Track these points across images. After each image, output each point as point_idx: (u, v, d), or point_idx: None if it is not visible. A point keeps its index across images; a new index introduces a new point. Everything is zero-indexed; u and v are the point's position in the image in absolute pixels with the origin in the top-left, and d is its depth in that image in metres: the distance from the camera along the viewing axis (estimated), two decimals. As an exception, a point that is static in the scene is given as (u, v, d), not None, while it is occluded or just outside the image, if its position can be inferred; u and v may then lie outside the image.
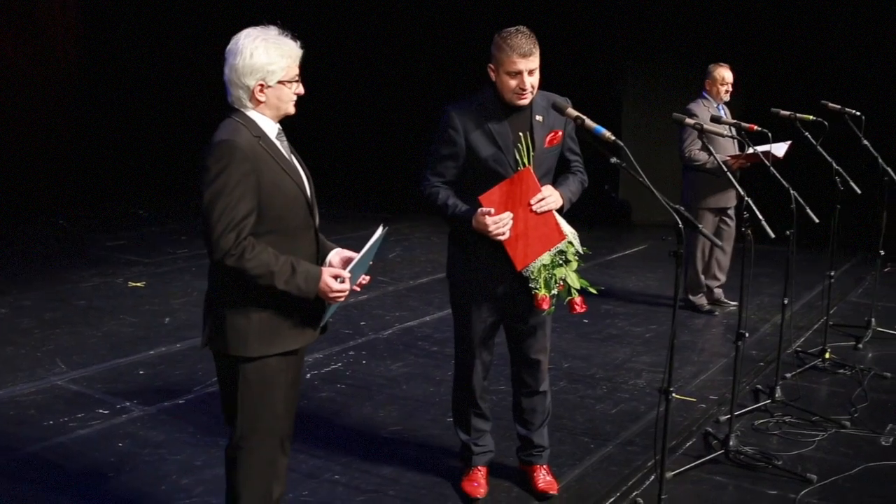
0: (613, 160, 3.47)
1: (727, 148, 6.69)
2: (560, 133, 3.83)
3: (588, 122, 3.53)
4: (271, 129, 3.06)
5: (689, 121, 4.46)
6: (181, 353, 6.09)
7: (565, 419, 5.02)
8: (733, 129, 5.17)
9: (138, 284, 7.99)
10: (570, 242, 3.71)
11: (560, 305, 3.76)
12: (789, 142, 6.26)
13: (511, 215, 3.61)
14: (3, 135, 12.92)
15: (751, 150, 5.64)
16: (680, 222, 3.39)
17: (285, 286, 2.95)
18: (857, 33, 10.85)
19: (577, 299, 3.75)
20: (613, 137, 3.43)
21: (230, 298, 3.04)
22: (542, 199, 3.64)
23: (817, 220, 4.95)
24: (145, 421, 4.95)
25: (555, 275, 3.68)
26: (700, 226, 3.60)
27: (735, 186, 4.39)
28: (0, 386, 5.42)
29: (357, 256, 3.12)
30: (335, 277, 3.02)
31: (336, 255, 3.25)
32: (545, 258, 3.66)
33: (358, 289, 3.17)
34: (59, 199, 12.72)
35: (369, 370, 5.87)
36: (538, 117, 3.77)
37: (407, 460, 4.49)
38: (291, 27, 3.08)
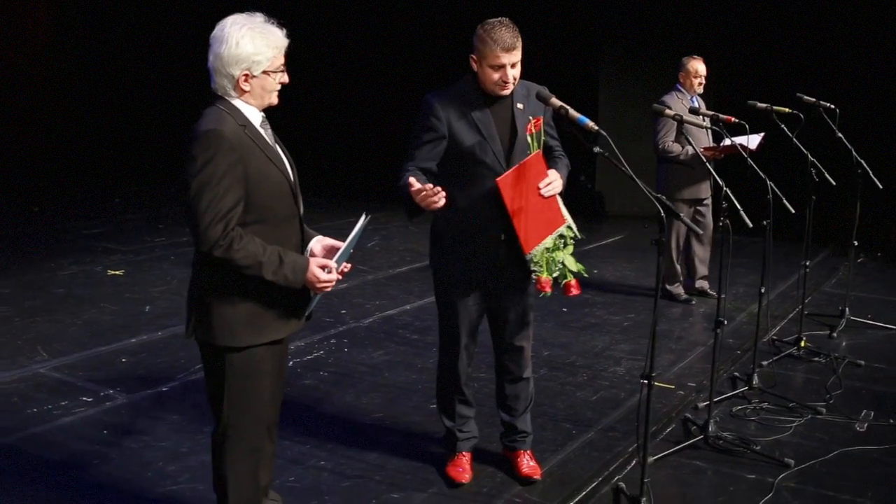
0: (596, 149, 3.52)
1: (701, 139, 6.78)
2: (541, 120, 3.87)
3: (572, 112, 3.57)
4: (255, 117, 3.06)
5: (668, 112, 4.54)
6: (163, 341, 6.09)
7: (547, 406, 5.08)
8: (709, 121, 5.23)
9: (117, 272, 7.97)
10: (570, 226, 3.79)
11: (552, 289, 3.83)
12: (763, 133, 6.35)
13: (437, 189, 3.44)
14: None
15: (728, 142, 5.72)
16: (662, 211, 3.45)
17: (273, 276, 2.97)
18: (831, 27, 10.98)
19: (573, 282, 3.83)
20: (597, 127, 3.48)
21: (217, 289, 3.04)
22: (550, 184, 3.71)
23: (794, 211, 5.04)
24: (129, 408, 4.96)
25: (554, 258, 3.75)
26: (682, 214, 3.66)
27: (713, 176, 4.46)
28: (-19, 374, 5.42)
29: (342, 246, 3.15)
30: (322, 268, 3.05)
31: (318, 242, 3.27)
32: (548, 241, 3.73)
33: (340, 277, 3.18)
34: (33, 187, 12.64)
35: (351, 358, 5.90)
36: (519, 105, 3.82)
37: (391, 446, 4.53)
38: (276, 15, 3.08)
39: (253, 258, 2.93)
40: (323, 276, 3.04)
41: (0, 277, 7.64)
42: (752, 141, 6.23)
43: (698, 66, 6.96)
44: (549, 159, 3.98)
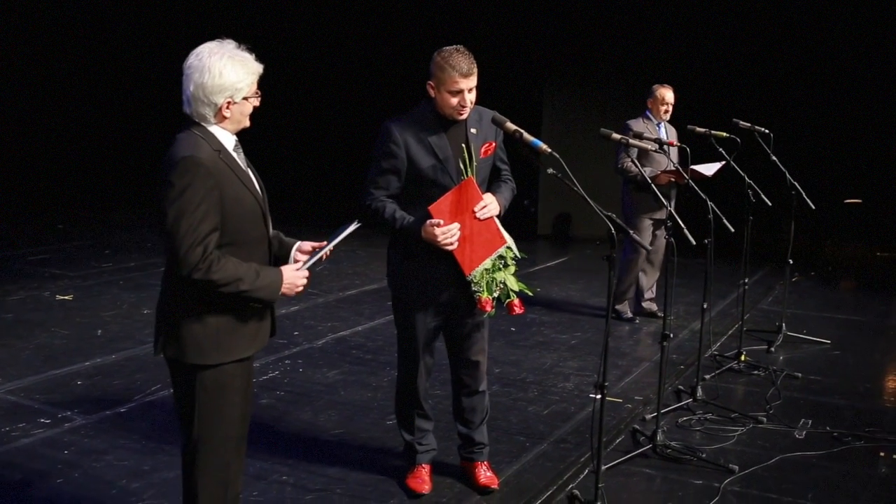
0: (550, 171, 3.70)
1: (662, 163, 6.98)
2: (493, 144, 4.05)
3: (526, 135, 3.74)
4: (229, 141, 3.12)
5: (615, 136, 4.73)
6: (117, 364, 6.12)
7: (500, 420, 5.23)
8: (656, 145, 5.44)
9: (66, 297, 7.95)
10: (509, 247, 3.93)
11: (498, 308, 3.97)
12: (723, 162, 6.55)
13: (458, 226, 3.80)
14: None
15: (670, 166, 5.97)
16: (612, 228, 3.62)
17: (250, 289, 3.04)
18: (767, 55, 11.42)
19: (516, 301, 3.97)
20: (550, 150, 3.66)
21: (187, 307, 3.09)
22: (485, 206, 3.85)
23: (733, 230, 5.28)
24: (88, 429, 4.98)
25: (495, 278, 3.89)
26: (631, 232, 3.83)
27: (659, 198, 4.67)
28: (-65, 398, 5.39)
29: (326, 246, 3.25)
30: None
31: (296, 251, 3.32)
32: (487, 263, 3.87)
33: (325, 256, 3.29)
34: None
35: (306, 378, 5.99)
36: (473, 130, 3.98)
37: (351, 461, 4.64)
38: (241, 36, 3.17)
39: (231, 276, 3.00)
40: (298, 280, 3.16)
41: (-54, 303, 7.58)
42: (709, 168, 6.46)
43: (665, 94, 7.20)
44: (496, 183, 4.16)
